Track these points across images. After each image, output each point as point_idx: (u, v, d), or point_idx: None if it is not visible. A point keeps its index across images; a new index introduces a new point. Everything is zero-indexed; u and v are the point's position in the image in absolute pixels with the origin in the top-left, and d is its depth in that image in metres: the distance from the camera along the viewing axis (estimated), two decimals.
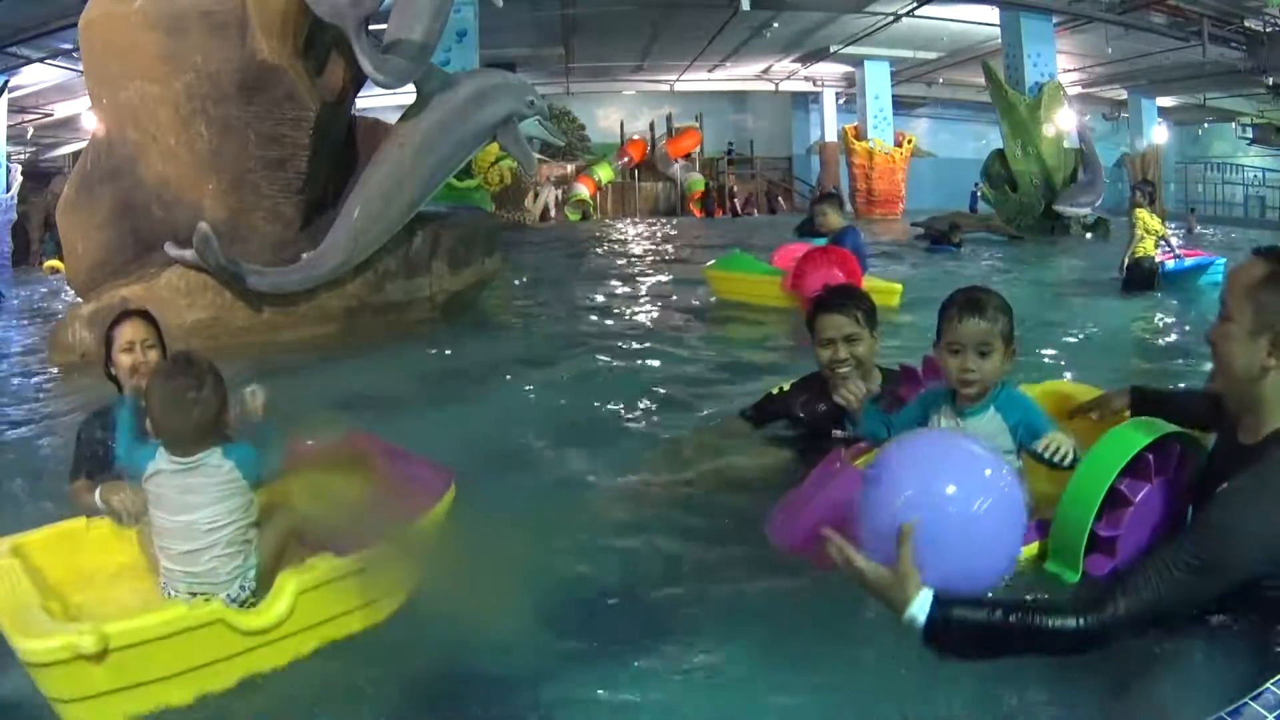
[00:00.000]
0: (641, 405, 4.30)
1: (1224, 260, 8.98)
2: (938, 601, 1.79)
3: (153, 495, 2.29)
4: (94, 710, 2.01)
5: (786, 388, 3.47)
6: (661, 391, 4.83)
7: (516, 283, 9.40)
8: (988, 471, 1.94)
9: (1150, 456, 2.24)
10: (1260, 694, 1.56)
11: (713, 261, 8.79)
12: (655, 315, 8.17)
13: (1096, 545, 2.25)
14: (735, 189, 28.45)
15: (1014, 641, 1.83)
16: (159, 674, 2.05)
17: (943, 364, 2.46)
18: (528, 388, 5.12)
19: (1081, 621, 1.79)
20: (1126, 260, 8.83)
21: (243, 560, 2.31)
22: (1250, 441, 2.00)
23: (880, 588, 1.84)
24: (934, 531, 1.82)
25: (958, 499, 1.87)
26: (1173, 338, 6.81)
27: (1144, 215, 8.76)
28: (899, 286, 7.29)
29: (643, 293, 9.58)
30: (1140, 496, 2.23)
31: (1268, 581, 1.87)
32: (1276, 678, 1.59)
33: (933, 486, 1.88)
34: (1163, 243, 8.98)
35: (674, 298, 9.03)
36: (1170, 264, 8.96)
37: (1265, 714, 1.52)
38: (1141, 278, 8.65)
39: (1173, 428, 2.31)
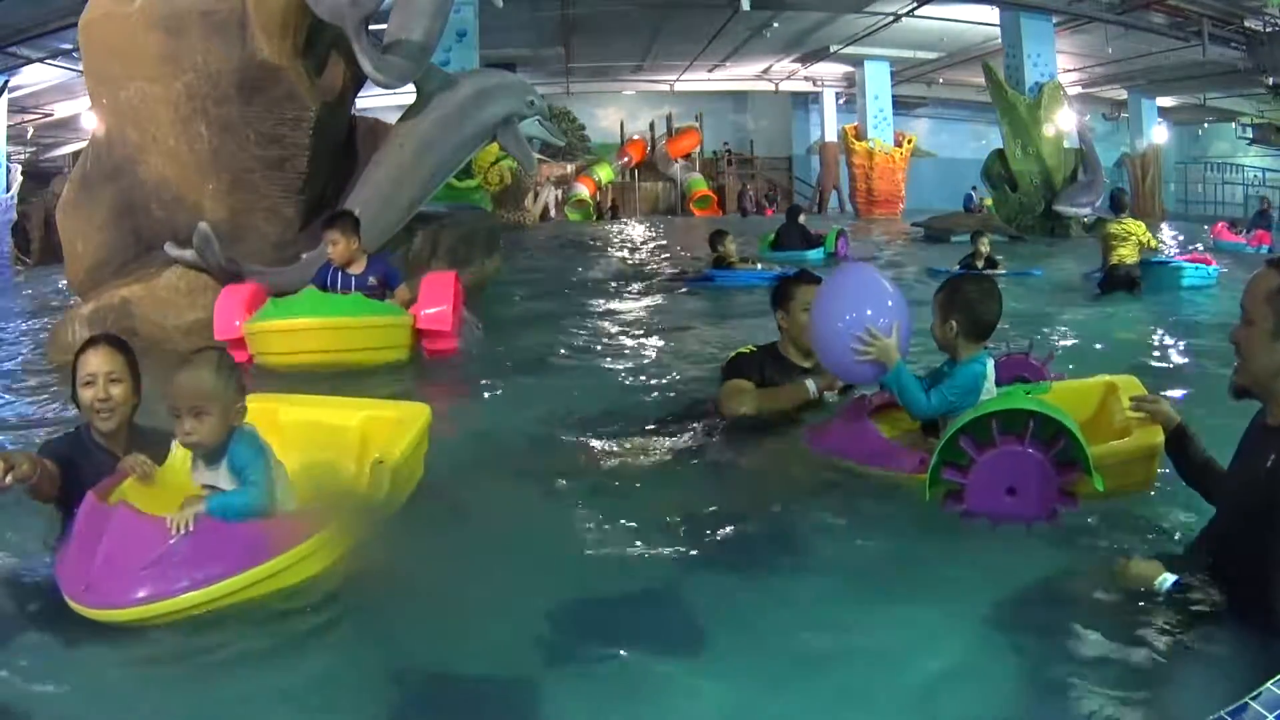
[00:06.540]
0: (642, 400, 4.31)
1: (1212, 269, 9.07)
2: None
3: None
4: None
5: (754, 349, 3.86)
6: (656, 389, 4.84)
7: (516, 293, 9.35)
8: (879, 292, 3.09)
9: (994, 424, 2.65)
10: (1260, 694, 1.55)
11: (265, 307, 5.42)
12: (656, 311, 8.17)
13: (953, 491, 2.74)
14: (747, 187, 28.39)
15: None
16: None
17: None
18: (526, 386, 5.12)
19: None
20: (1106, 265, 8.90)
21: None
22: (1277, 424, 2.21)
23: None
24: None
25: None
26: (1153, 340, 6.83)
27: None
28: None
29: (643, 290, 9.57)
30: (984, 457, 2.66)
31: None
32: (1276, 678, 1.58)
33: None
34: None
35: (674, 295, 9.05)
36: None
37: (1265, 714, 1.52)
38: (1117, 282, 8.71)
39: (1029, 404, 2.67)
